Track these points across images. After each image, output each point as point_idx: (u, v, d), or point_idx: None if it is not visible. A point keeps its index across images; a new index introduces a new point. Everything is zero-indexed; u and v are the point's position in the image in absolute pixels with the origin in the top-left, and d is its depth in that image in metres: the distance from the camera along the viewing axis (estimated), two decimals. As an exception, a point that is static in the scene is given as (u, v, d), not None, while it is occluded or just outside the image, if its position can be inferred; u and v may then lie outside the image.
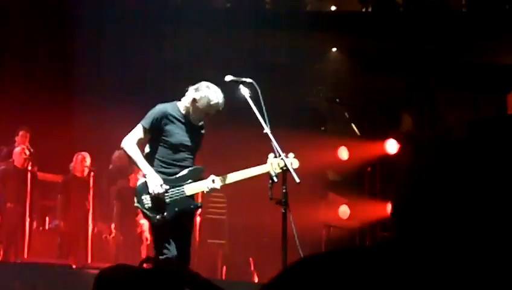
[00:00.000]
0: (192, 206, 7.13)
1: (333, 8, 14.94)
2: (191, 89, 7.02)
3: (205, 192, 7.05)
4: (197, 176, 7.03)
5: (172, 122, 6.96)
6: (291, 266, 1.50)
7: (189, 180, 6.98)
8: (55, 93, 13.27)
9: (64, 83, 13.30)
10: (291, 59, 13.90)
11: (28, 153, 11.83)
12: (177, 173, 6.97)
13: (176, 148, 6.96)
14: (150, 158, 6.97)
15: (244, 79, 6.82)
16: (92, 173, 12.03)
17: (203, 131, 7.19)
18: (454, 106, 13.71)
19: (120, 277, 3.45)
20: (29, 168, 11.85)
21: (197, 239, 12.60)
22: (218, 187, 6.96)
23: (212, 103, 6.94)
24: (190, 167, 7.01)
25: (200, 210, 12.55)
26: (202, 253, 12.23)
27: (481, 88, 13.31)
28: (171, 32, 14.20)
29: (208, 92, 6.95)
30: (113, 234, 12.34)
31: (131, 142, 6.93)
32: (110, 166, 12.62)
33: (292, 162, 6.63)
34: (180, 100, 7.08)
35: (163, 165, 6.96)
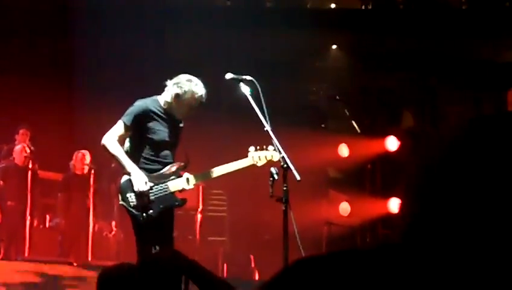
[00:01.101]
0: (177, 203, 7.03)
1: (333, 5, 14.94)
2: (171, 83, 6.93)
3: (179, 191, 6.96)
4: (180, 172, 6.97)
5: (154, 119, 6.85)
6: (291, 266, 1.50)
7: (173, 177, 6.92)
8: (55, 92, 13.27)
9: (64, 81, 13.30)
10: (292, 57, 13.89)
11: (28, 151, 11.83)
12: (160, 170, 6.89)
13: (159, 145, 6.88)
14: (131, 155, 6.83)
15: (244, 77, 6.80)
16: (92, 171, 12.02)
17: (181, 125, 7.09)
18: (455, 103, 13.71)
19: (122, 275, 3.46)
20: (30, 166, 11.85)
21: (198, 237, 12.62)
22: (191, 187, 6.92)
23: (197, 96, 6.88)
24: (172, 163, 6.96)
25: (201, 206, 12.65)
26: (203, 250, 12.23)
27: (481, 85, 13.32)
28: (171, 30, 14.20)
29: (190, 86, 6.89)
30: (113, 232, 12.35)
31: (112, 139, 6.80)
32: (113, 164, 12.60)
33: (273, 154, 6.63)
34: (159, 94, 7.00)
35: (147, 161, 6.86)
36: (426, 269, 1.42)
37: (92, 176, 12.00)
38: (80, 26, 12.70)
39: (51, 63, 13.49)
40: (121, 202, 6.90)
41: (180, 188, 6.94)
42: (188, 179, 6.90)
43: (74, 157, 12.30)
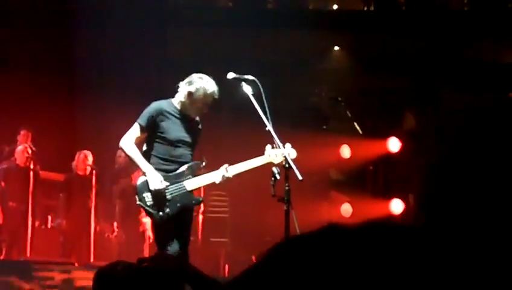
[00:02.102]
0: (193, 202, 7.18)
1: (335, 6, 14.94)
2: (183, 84, 7.03)
3: (217, 182, 6.96)
4: (196, 171, 7.02)
5: (168, 118, 6.97)
6: (282, 244, 1.50)
7: (189, 176, 6.99)
8: (57, 92, 13.27)
9: (66, 81, 13.30)
10: (293, 58, 13.89)
11: (30, 151, 11.83)
12: (176, 169, 6.97)
13: (174, 144, 6.97)
14: (148, 156, 6.97)
15: (246, 76, 6.84)
16: (94, 172, 12.01)
17: (200, 126, 7.19)
18: (457, 105, 13.70)
19: (119, 274, 3.46)
20: (32, 167, 11.85)
21: (200, 238, 12.60)
22: (231, 176, 6.93)
23: (209, 92, 6.96)
24: (189, 162, 7.02)
25: (202, 207, 12.64)
26: (205, 251, 12.22)
27: (483, 87, 13.31)
28: (173, 31, 14.20)
29: (202, 83, 6.97)
30: (115, 233, 12.35)
31: (129, 141, 6.94)
32: (116, 165, 12.61)
33: (290, 152, 6.64)
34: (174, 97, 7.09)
35: (162, 162, 6.96)
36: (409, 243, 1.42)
37: (94, 177, 11.98)
38: (82, 27, 12.70)
39: (52, 64, 13.48)
40: (138, 202, 7.01)
41: (213, 181, 6.93)
42: (226, 169, 6.90)
43: (76, 158, 12.29)
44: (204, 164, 7.13)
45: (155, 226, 7.12)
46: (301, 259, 1.43)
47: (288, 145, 6.69)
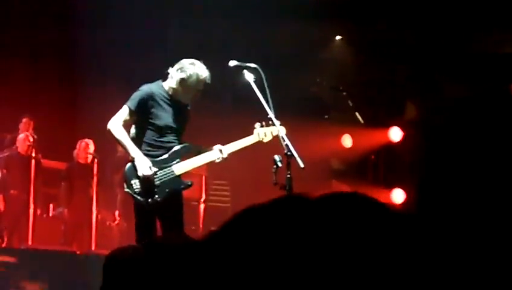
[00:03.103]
0: (182, 186, 7.04)
1: (337, -4, 14.89)
2: (174, 70, 6.95)
3: (217, 161, 6.93)
4: (184, 155, 6.98)
5: (158, 103, 6.88)
6: (240, 213, 1.49)
7: (177, 160, 6.93)
8: (59, 80, 13.29)
9: (67, 70, 13.29)
10: (295, 48, 13.86)
11: (31, 140, 11.83)
12: (163, 154, 6.89)
13: (163, 130, 6.90)
14: (136, 141, 6.87)
15: (248, 64, 6.83)
16: (95, 160, 12.02)
17: (188, 108, 7.12)
18: (458, 95, 13.68)
19: (130, 256, 3.46)
20: (33, 155, 11.85)
21: (201, 227, 12.62)
22: (226, 156, 6.90)
23: (201, 78, 6.91)
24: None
25: (204, 196, 12.65)
26: (206, 241, 12.21)
27: (485, 78, 13.29)
28: (175, 20, 14.18)
29: (195, 69, 6.90)
30: (117, 221, 12.37)
31: (117, 124, 6.84)
32: (117, 154, 12.61)
33: (279, 129, 6.62)
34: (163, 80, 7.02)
35: (150, 148, 6.88)
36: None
37: (95, 165, 11.99)
38: (83, 14, 12.68)
39: (54, 52, 13.48)
40: (126, 189, 6.91)
41: (213, 159, 6.90)
42: (221, 150, 6.87)
43: (78, 146, 12.30)
44: (190, 147, 7.04)
45: (138, 213, 6.90)
46: (254, 228, 1.42)
47: (277, 122, 6.65)
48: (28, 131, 12.12)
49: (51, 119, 12.72)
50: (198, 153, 6.99)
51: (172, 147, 6.92)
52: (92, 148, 12.20)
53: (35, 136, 11.95)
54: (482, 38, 13.39)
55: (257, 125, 6.75)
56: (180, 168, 6.93)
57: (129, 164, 6.88)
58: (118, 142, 6.99)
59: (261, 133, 6.75)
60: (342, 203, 1.43)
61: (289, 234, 1.36)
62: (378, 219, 1.39)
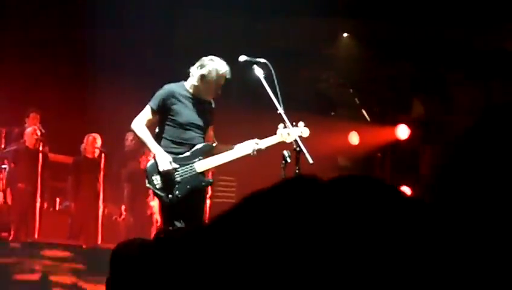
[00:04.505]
0: (203, 183, 7.15)
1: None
2: (194, 68, 7.04)
3: (253, 154, 6.93)
4: (206, 153, 7.04)
5: (179, 101, 6.98)
6: (247, 198, 1.48)
7: (200, 157, 6.99)
8: (67, 75, 13.29)
9: (76, 64, 13.31)
10: (302, 44, 13.86)
11: (39, 133, 11.85)
12: (186, 152, 6.98)
13: (184, 127, 6.97)
14: (159, 139, 6.99)
15: (258, 59, 6.86)
16: (103, 155, 12.04)
17: (213, 106, 7.20)
18: (465, 91, 13.67)
19: (137, 250, 3.47)
20: (41, 149, 11.86)
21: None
22: (263, 147, 6.92)
23: (221, 72, 6.97)
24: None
25: (210, 191, 12.66)
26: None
27: (491, 73, 13.27)
28: (182, 16, 14.18)
29: (214, 65, 6.98)
30: (123, 216, 12.39)
31: (140, 123, 6.97)
32: (124, 149, 12.64)
33: (303, 130, 6.65)
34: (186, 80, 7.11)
35: (173, 144, 6.97)
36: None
37: (102, 160, 12.01)
38: (93, 9, 12.68)
39: (62, 46, 13.48)
40: (147, 185, 7.03)
41: (250, 151, 6.92)
42: (257, 143, 6.90)
43: (85, 140, 12.31)
44: (214, 145, 7.14)
45: (163, 208, 7.12)
46: (264, 210, 1.41)
47: (301, 123, 6.70)
48: (35, 125, 12.13)
49: (58, 113, 12.75)
50: (221, 151, 7.06)
51: (194, 144, 6.99)
52: (99, 142, 12.22)
53: (43, 130, 11.97)
54: (489, 34, 13.35)
55: (280, 126, 6.76)
56: (202, 165, 6.99)
57: (151, 160, 7.02)
58: (140, 141, 7.15)
59: (284, 134, 6.74)
60: (355, 185, 1.42)
61: (300, 216, 1.36)
62: (392, 202, 1.39)
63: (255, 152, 6.89)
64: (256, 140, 6.93)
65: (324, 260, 1.32)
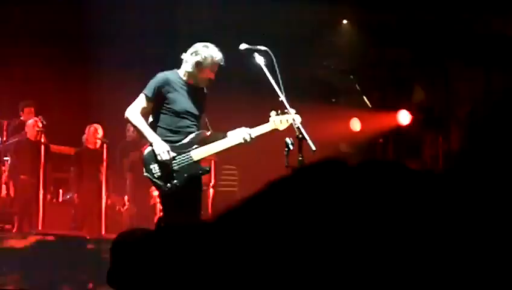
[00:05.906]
0: (200, 171, 7.09)
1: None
2: (188, 54, 7.00)
3: (246, 141, 6.90)
4: (202, 141, 7.02)
5: (174, 89, 6.95)
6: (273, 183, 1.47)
7: (196, 145, 6.97)
8: (68, 65, 13.28)
9: (77, 54, 13.29)
10: (303, 31, 13.83)
11: (40, 125, 11.84)
12: (182, 140, 6.96)
13: (180, 115, 6.95)
14: (154, 127, 6.95)
15: (259, 47, 6.84)
16: (104, 145, 12.03)
17: (205, 92, 7.16)
18: (466, 78, 13.66)
19: (135, 239, 3.47)
20: (42, 140, 11.86)
21: (210, 211, 12.64)
22: (254, 136, 6.91)
23: (216, 59, 6.95)
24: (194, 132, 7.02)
25: (212, 181, 12.67)
26: (215, 225, 12.23)
27: (492, 60, 13.25)
28: (183, 2, 14.14)
29: (208, 51, 6.96)
30: (126, 206, 12.39)
31: (135, 112, 6.92)
32: (126, 139, 12.63)
33: (294, 117, 6.64)
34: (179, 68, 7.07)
35: (169, 133, 6.94)
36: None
37: (104, 150, 11.99)
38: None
39: (63, 36, 13.46)
40: (145, 174, 6.99)
41: (241, 140, 6.90)
42: (249, 134, 6.89)
43: (87, 131, 12.31)
44: (209, 133, 7.11)
45: (162, 197, 7.10)
46: (297, 195, 1.41)
47: (292, 110, 6.69)
48: (35, 116, 12.11)
49: (59, 104, 12.75)
50: (216, 139, 7.03)
51: (190, 132, 6.97)
52: (100, 133, 12.21)
53: (44, 122, 11.96)
54: (490, 20, 13.33)
55: (272, 113, 6.75)
56: (198, 153, 6.97)
57: (148, 149, 6.96)
58: (136, 129, 7.10)
59: (277, 121, 6.75)
60: (383, 170, 1.42)
61: (329, 200, 1.36)
62: (419, 187, 1.39)
63: (246, 140, 6.87)
64: (247, 129, 6.90)
65: (357, 245, 1.32)
